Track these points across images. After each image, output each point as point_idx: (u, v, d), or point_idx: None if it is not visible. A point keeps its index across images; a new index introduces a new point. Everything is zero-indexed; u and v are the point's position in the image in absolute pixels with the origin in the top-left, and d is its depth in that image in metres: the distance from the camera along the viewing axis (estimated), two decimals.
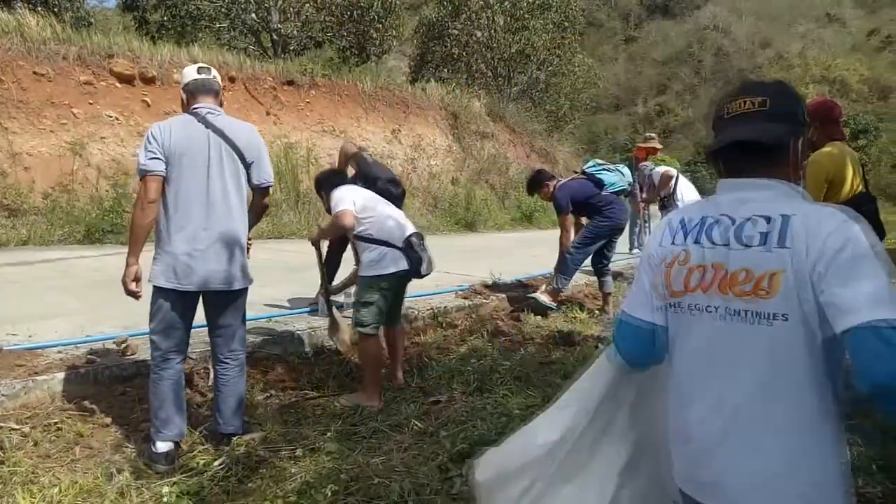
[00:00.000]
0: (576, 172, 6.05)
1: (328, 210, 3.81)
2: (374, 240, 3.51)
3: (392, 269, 3.50)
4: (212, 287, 2.79)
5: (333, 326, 4.24)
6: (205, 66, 3.00)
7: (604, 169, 5.79)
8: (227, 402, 2.97)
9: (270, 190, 3.07)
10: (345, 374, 4.01)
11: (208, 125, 2.80)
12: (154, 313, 2.80)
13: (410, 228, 3.65)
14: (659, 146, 10.29)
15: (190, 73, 2.93)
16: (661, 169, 7.92)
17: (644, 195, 8.74)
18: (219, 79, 3.00)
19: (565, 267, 5.69)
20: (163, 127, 2.76)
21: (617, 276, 7.91)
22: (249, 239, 3.08)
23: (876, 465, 2.67)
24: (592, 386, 1.57)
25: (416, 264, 3.54)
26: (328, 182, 3.87)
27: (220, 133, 2.80)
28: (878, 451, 2.83)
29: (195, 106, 2.86)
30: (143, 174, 2.69)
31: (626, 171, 5.91)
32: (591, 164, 5.94)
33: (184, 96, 2.94)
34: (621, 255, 9.45)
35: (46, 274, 6.38)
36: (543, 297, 5.60)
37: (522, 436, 1.70)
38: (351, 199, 3.56)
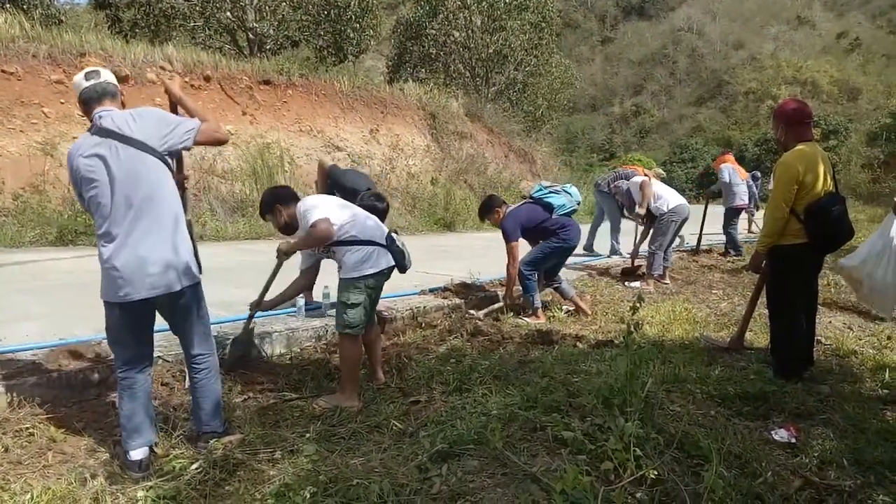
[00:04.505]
0: (524, 198, 6.04)
1: (280, 228, 3.70)
2: (359, 240, 3.49)
3: (382, 266, 3.52)
4: (146, 295, 2.62)
5: (243, 339, 4.12)
6: (93, 69, 2.76)
7: (551, 192, 5.77)
8: (200, 405, 2.94)
9: (189, 146, 2.75)
10: (323, 376, 3.99)
11: (100, 131, 2.61)
12: (106, 327, 2.77)
13: (386, 227, 3.69)
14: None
15: (79, 83, 2.71)
16: (637, 180, 7.81)
17: (630, 212, 8.16)
18: (113, 80, 2.77)
19: (527, 286, 5.68)
20: (67, 163, 2.67)
21: (604, 273, 8.01)
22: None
23: (847, 459, 2.72)
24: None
25: (401, 258, 3.59)
26: (279, 198, 3.67)
27: (111, 133, 2.59)
28: (849, 444, 2.89)
29: (92, 115, 2.68)
30: None
31: (574, 190, 5.89)
32: (537, 188, 5.90)
33: (80, 109, 2.76)
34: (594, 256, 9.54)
35: (18, 277, 6.25)
36: (528, 321, 5.57)
37: (871, 242, 4.48)
38: (324, 208, 3.49)
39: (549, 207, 5.67)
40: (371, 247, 3.50)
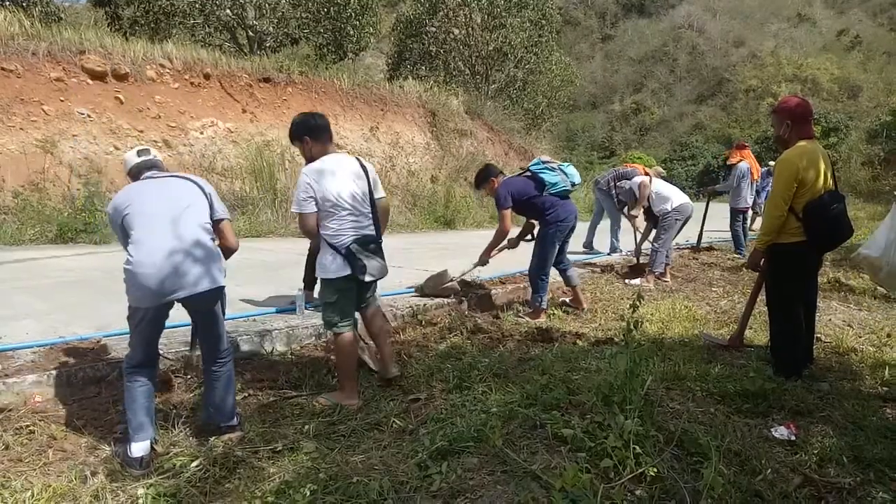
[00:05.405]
0: (521, 170, 5.94)
1: (304, 155, 3.63)
2: (327, 243, 3.47)
3: (342, 273, 3.46)
4: (184, 294, 2.83)
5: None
6: (143, 147, 3.18)
7: (547, 168, 5.59)
8: (224, 397, 3.07)
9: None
10: (324, 373, 3.99)
11: (153, 178, 3.04)
12: (131, 331, 2.90)
13: (358, 233, 3.49)
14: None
15: (131, 159, 3.10)
16: (638, 180, 7.88)
17: (631, 212, 8.22)
18: (160, 158, 3.20)
19: (537, 285, 5.63)
20: (110, 214, 2.94)
21: (604, 270, 8.00)
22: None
23: (846, 457, 2.73)
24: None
25: (360, 272, 3.46)
26: (310, 130, 3.58)
27: (156, 176, 3.04)
28: (849, 442, 2.90)
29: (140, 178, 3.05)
30: None
31: (572, 170, 5.72)
32: (534, 162, 5.74)
33: (130, 180, 3.10)
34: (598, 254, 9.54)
35: (17, 274, 6.25)
36: (528, 320, 5.54)
37: (885, 232, 4.37)
38: (314, 200, 3.40)
39: (542, 184, 5.52)
40: (335, 253, 3.45)
